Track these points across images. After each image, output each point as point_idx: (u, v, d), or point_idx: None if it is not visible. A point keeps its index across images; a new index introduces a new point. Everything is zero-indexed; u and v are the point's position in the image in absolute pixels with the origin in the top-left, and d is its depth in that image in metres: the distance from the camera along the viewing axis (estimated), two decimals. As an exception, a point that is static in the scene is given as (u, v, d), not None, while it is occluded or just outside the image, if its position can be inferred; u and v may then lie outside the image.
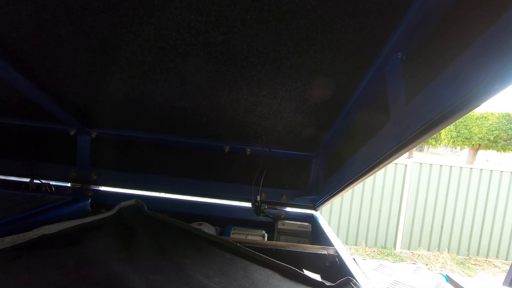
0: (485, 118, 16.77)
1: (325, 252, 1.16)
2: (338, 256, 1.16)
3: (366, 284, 0.96)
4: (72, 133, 1.60)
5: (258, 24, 0.84)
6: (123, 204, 1.23)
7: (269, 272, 0.95)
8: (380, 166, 0.98)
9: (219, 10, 0.81)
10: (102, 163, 1.69)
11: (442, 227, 6.83)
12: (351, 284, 0.92)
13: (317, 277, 0.99)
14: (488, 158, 27.38)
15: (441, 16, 0.74)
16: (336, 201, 6.76)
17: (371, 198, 6.82)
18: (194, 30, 0.89)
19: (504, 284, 2.83)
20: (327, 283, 0.94)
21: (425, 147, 28.24)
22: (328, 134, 1.38)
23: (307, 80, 1.05)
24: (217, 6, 0.80)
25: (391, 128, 0.91)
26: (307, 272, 1.00)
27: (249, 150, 1.58)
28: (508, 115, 16.38)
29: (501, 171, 6.88)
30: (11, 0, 0.83)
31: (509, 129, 16.27)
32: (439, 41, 0.75)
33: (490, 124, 16.55)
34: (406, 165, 6.99)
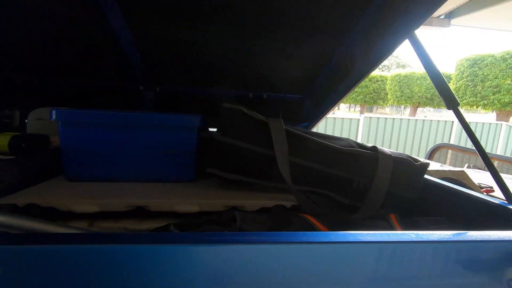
0: (424, 78, 18.01)
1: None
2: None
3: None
4: (141, 88, 2.21)
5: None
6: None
7: None
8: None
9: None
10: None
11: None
12: None
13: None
14: (427, 114, 30.47)
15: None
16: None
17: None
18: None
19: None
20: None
21: (374, 108, 30.39)
22: (316, 81, 2.18)
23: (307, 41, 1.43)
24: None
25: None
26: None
27: (265, 95, 2.36)
28: (443, 74, 18.17)
29: (431, 120, 8.51)
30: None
31: (443, 87, 18.00)
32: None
33: (428, 83, 17.72)
34: (358, 120, 8.26)
